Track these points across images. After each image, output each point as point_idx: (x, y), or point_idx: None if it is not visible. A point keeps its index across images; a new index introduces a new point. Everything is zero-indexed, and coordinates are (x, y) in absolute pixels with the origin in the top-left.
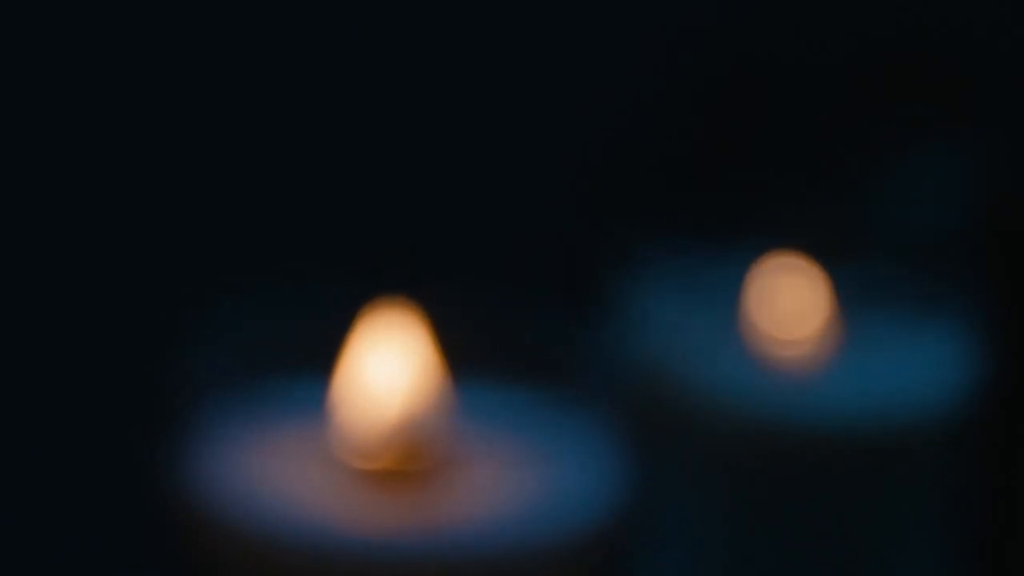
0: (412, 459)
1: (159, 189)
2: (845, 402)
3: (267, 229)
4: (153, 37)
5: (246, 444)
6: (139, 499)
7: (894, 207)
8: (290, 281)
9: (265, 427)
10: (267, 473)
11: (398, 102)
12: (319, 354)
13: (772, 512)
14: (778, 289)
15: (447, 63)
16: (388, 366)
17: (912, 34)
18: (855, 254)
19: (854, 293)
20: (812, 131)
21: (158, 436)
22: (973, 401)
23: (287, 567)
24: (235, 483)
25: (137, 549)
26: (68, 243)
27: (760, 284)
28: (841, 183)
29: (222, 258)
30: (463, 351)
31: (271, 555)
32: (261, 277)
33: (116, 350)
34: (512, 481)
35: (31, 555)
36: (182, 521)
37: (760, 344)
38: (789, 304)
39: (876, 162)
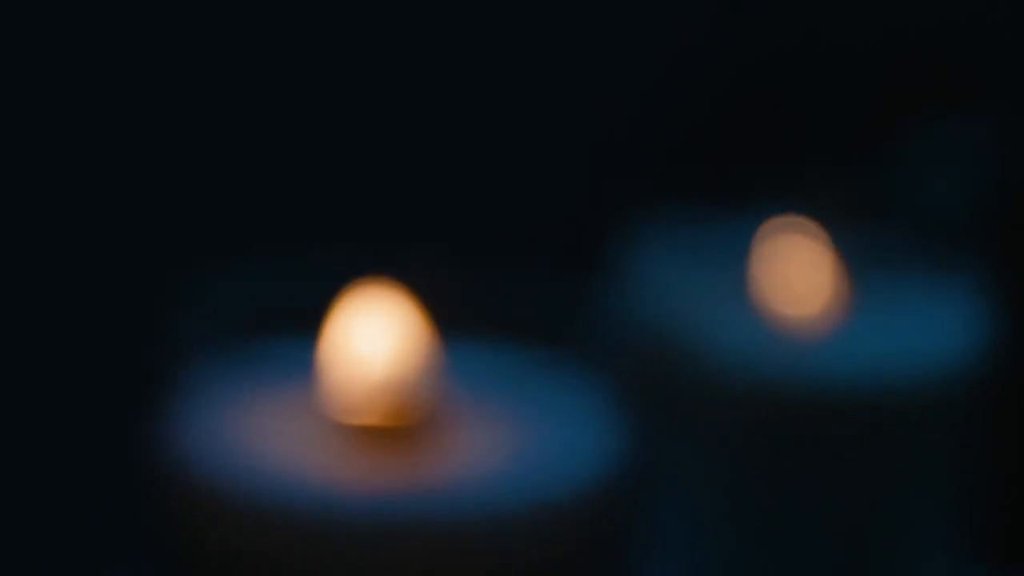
0: (401, 416)
1: (148, 157)
2: (852, 366)
3: (257, 196)
4: (140, 20)
5: (235, 403)
6: (128, 463)
7: (906, 174)
8: (279, 245)
9: (254, 385)
10: (255, 431)
11: (387, 75)
12: (308, 313)
13: (777, 477)
14: (785, 252)
15: (437, 38)
16: (377, 323)
17: (930, 10)
18: (865, 218)
19: (863, 257)
20: (824, 99)
21: (147, 399)
22: (981, 366)
23: (276, 524)
24: (224, 441)
25: (126, 513)
26: (56, 211)
27: (767, 246)
28: (852, 149)
29: (211, 225)
30: (457, 309)
31: (260, 512)
32: (250, 242)
33: (104, 314)
34: (504, 440)
35: (18, 521)
36: (172, 483)
37: (766, 307)
38: (796, 267)
39: (888, 130)
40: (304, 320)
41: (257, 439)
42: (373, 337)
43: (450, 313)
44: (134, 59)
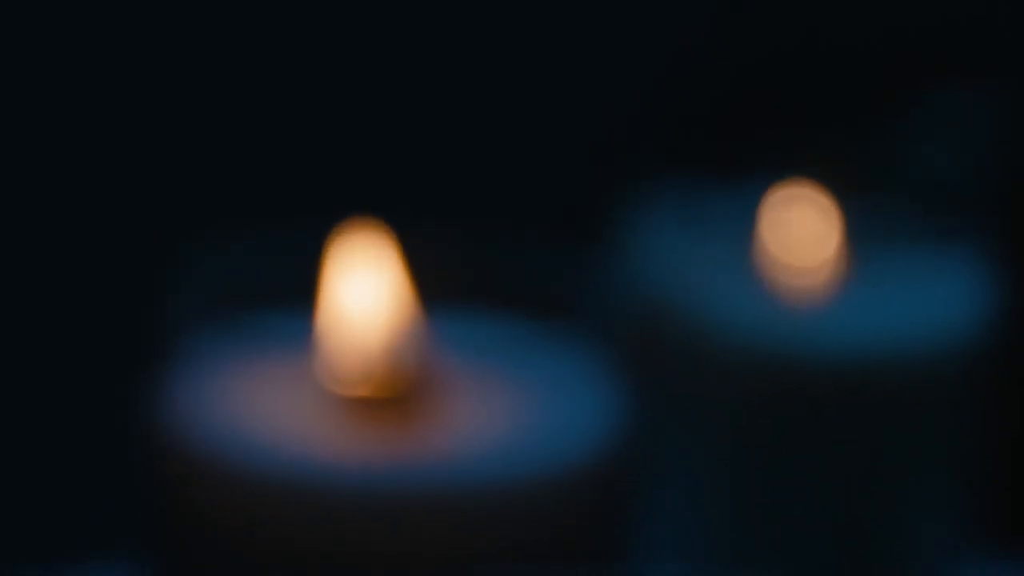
0: (397, 387)
1: (137, 130)
2: (855, 338)
3: (248, 169)
4: (125, 6)
5: (230, 375)
6: (125, 433)
7: (910, 145)
8: (271, 217)
9: (248, 358)
10: (251, 403)
11: (378, 32)
12: (301, 284)
13: (778, 449)
14: (789, 223)
15: (439, 27)
16: (371, 293)
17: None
18: (870, 190)
19: (868, 225)
20: (824, 96)
21: (144, 373)
22: (984, 338)
23: (271, 495)
24: (220, 414)
25: (123, 484)
26: (49, 193)
27: (771, 217)
28: (857, 120)
29: (203, 198)
30: (458, 280)
31: (256, 484)
32: (241, 215)
33: (100, 287)
34: (502, 412)
35: (12, 489)
36: (168, 456)
37: (770, 278)
38: (800, 235)
39: (892, 102)
40: (299, 292)
41: (253, 412)
42: (368, 309)
43: (449, 284)
44: (125, 46)
